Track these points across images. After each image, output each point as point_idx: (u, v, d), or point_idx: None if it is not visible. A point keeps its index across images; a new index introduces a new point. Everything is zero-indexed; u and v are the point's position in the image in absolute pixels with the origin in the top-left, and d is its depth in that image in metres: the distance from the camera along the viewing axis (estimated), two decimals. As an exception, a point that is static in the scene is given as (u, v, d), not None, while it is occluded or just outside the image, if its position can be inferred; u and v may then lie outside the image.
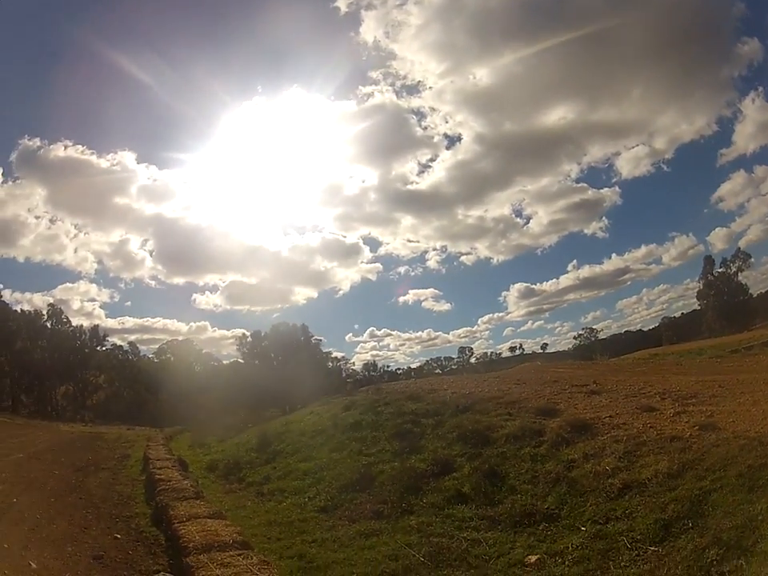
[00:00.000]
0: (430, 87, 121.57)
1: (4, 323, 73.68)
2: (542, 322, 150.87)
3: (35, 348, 75.15)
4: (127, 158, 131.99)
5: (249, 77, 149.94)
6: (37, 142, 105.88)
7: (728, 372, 17.61)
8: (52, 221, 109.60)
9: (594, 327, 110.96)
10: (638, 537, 6.82)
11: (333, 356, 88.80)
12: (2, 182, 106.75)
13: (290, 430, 18.62)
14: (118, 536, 9.16)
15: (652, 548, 6.48)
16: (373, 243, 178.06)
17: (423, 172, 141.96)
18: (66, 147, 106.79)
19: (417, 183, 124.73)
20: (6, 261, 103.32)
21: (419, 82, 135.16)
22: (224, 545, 7.38)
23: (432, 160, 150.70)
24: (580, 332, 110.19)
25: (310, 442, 16.09)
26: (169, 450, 19.45)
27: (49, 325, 78.19)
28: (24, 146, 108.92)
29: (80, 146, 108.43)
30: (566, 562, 6.74)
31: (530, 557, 7.07)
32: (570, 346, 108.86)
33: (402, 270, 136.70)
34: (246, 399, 70.30)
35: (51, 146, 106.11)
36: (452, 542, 7.87)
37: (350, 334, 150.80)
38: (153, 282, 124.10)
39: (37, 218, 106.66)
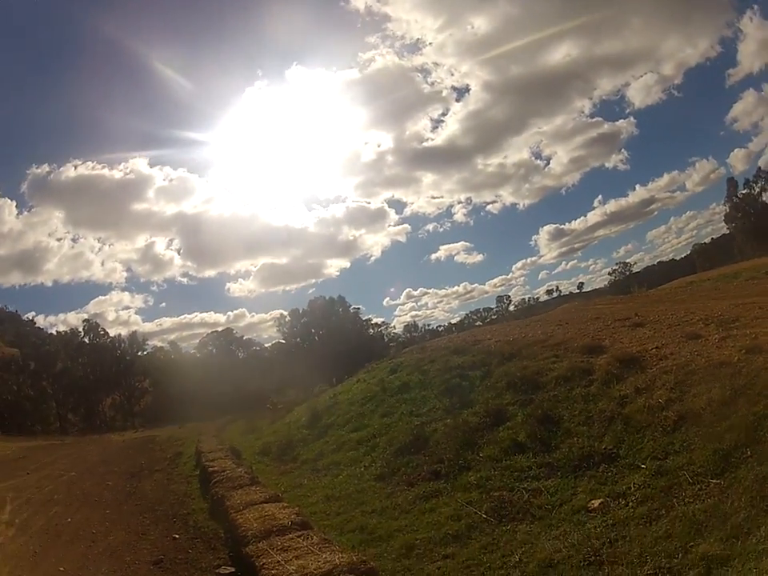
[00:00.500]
0: (430, 43, 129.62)
1: (41, 348, 79.25)
2: (575, 261, 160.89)
3: (76, 366, 79.37)
4: (139, 164, 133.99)
5: (247, 63, 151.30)
6: (45, 167, 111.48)
7: (766, 293, 17.16)
8: (74, 240, 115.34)
9: (627, 261, 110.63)
10: (699, 470, 6.81)
11: (373, 323, 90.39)
12: (18, 214, 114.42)
13: (338, 401, 18.87)
14: (177, 536, 9.47)
15: (714, 481, 6.46)
16: (397, 205, 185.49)
17: (437, 127, 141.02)
18: (75, 166, 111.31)
19: (432, 140, 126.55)
20: (35, 288, 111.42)
21: (418, 39, 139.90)
22: (283, 528, 7.50)
23: (444, 114, 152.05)
24: (614, 267, 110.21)
25: (359, 410, 16.33)
26: (220, 441, 19.91)
27: (87, 340, 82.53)
28: (33, 174, 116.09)
29: (90, 162, 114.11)
30: (630, 504, 6.80)
31: (593, 501, 7.16)
32: (606, 283, 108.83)
33: (429, 227, 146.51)
34: (293, 378, 74.48)
35: (61, 168, 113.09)
36: (513, 494, 7.98)
37: (387, 299, 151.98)
38: (185, 279, 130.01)
39: (58, 240, 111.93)
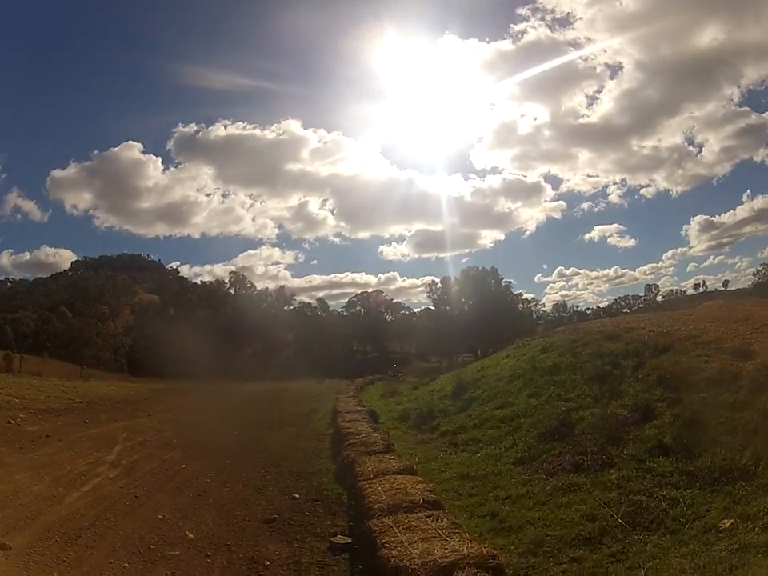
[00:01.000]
0: (580, 18, 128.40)
1: (183, 296, 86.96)
2: (723, 257, 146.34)
3: (219, 315, 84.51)
4: (293, 125, 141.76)
5: (399, 31, 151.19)
6: (193, 126, 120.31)
7: None
8: (224, 195, 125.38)
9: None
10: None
11: (523, 298, 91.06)
12: (164, 170, 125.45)
13: (485, 375, 18.48)
14: (296, 495, 9.03)
15: None
16: (554, 181, 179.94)
17: (592, 104, 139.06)
18: (225, 126, 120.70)
19: (588, 116, 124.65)
20: (181, 240, 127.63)
21: (568, 13, 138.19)
22: (413, 505, 7.06)
23: (598, 91, 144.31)
24: (758, 268, 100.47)
25: (506, 387, 16.00)
26: (359, 402, 19.69)
27: (232, 291, 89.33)
28: (180, 133, 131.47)
29: (240, 123, 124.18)
30: (756, 528, 6.31)
31: (724, 521, 6.76)
32: (750, 284, 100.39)
33: (584, 206, 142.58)
34: (438, 346, 77.62)
35: (210, 128, 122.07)
36: (651, 500, 7.68)
37: (539, 275, 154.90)
38: (337, 240, 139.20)
39: (207, 195, 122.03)
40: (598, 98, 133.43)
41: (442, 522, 6.42)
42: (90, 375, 44.88)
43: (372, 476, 8.44)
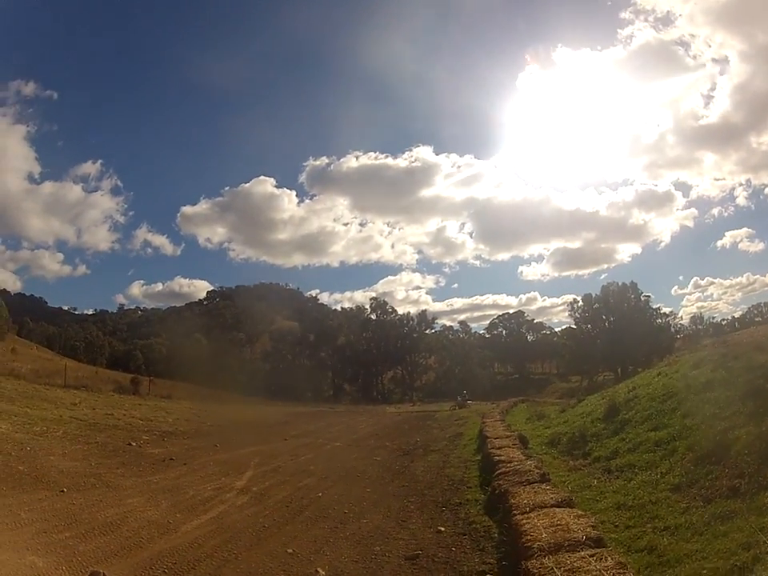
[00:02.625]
0: (680, 15, 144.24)
1: (323, 322, 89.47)
2: None
3: (359, 340, 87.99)
4: (424, 152, 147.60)
5: (514, 48, 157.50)
6: (324, 159, 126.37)
7: None
8: (362, 224, 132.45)
9: None
10: None
11: (662, 312, 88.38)
12: (299, 202, 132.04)
13: (638, 395, 17.50)
14: (442, 529, 8.39)
15: None
16: (683, 188, 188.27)
17: (708, 103, 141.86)
18: (357, 157, 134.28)
19: (706, 117, 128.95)
20: (320, 268, 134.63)
21: (668, 11, 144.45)
22: (575, 543, 6.51)
23: (712, 89, 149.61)
24: None
25: (660, 407, 15.03)
26: (507, 426, 18.94)
27: (373, 316, 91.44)
28: (311, 167, 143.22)
29: (371, 153, 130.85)
30: None
31: None
32: None
33: (714, 211, 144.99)
34: (579, 365, 78.13)
35: (341, 160, 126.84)
36: None
37: (675, 287, 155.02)
38: (477, 262, 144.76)
39: (345, 224, 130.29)
40: (713, 96, 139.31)
41: (607, 561, 5.92)
42: (224, 399, 46.21)
43: (528, 509, 7.80)
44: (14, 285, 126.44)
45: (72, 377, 34.98)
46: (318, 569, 6.63)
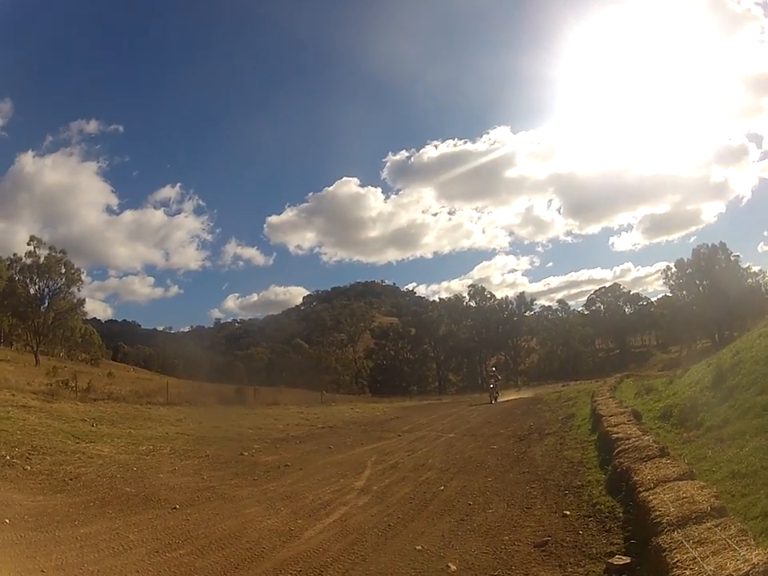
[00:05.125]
0: None
1: (423, 314, 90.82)
2: None
3: (460, 328, 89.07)
4: (501, 133, 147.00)
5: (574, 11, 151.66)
6: (403, 153, 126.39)
7: None
8: (450, 213, 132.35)
9: None
10: None
11: (751, 271, 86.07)
12: (385, 199, 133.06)
13: (742, 359, 16.80)
14: (567, 513, 8.24)
15: None
16: (756, 139, 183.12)
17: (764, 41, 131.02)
18: (436, 147, 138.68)
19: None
20: (414, 261, 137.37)
21: None
22: (701, 514, 6.31)
23: (762, 32, 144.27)
24: None
25: (764, 369, 14.33)
26: (619, 403, 18.50)
27: (472, 304, 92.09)
28: (392, 162, 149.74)
29: (450, 141, 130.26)
30: None
31: None
32: None
33: None
34: (677, 334, 77.41)
35: (421, 151, 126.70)
36: None
37: (761, 243, 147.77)
38: (569, 238, 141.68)
39: (434, 215, 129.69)
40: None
41: (730, 530, 5.77)
42: (330, 400, 46.49)
43: (653, 485, 7.63)
44: (104, 312, 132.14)
45: (174, 394, 35.60)
46: (449, 564, 6.55)
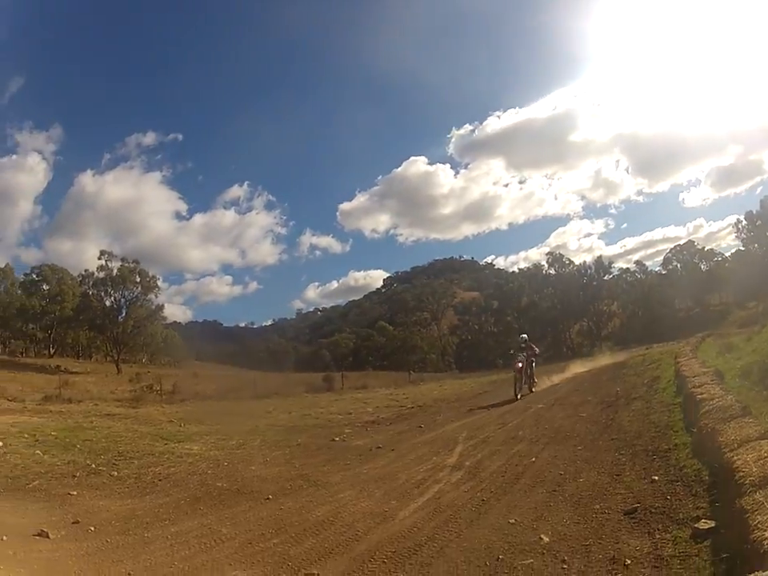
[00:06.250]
0: None
1: (504, 287, 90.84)
2: None
3: (541, 298, 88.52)
4: (561, 96, 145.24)
5: None
6: (467, 127, 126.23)
7: None
8: (521, 182, 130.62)
9: None
10: None
11: None
12: (455, 174, 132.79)
13: None
14: (655, 478, 8.15)
15: None
16: None
17: None
18: (498, 117, 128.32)
19: None
20: (490, 234, 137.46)
21: None
22: None
23: None
24: None
25: None
26: (702, 363, 18.05)
27: (552, 272, 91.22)
28: (456, 137, 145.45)
29: (511, 110, 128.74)
30: None
31: None
32: None
33: None
34: (753, 289, 73.40)
35: (483, 123, 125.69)
36: None
37: None
38: (640, 198, 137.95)
39: (505, 185, 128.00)
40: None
41: None
42: (418, 379, 46.44)
43: (736, 445, 7.45)
44: (184, 315, 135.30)
45: (261, 387, 36.34)
46: (542, 536, 6.59)
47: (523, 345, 23.09)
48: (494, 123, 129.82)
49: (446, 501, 8.62)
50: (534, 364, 23.15)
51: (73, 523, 8.62)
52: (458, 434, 14.30)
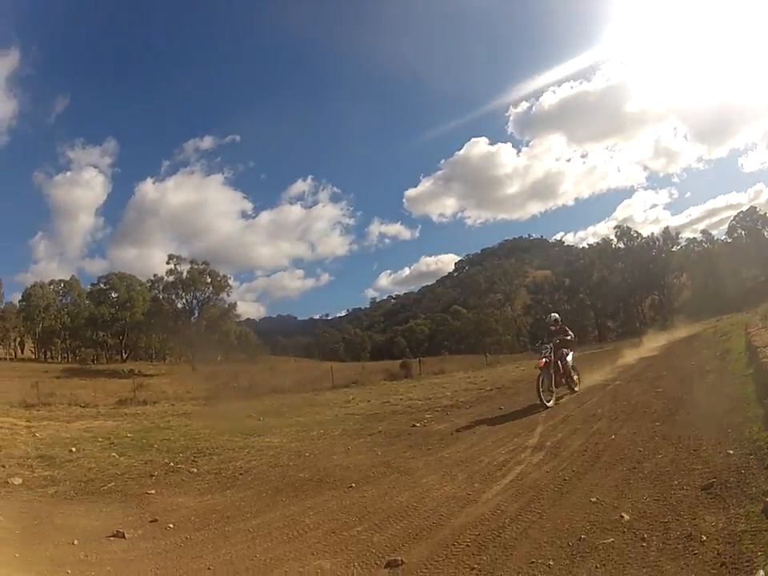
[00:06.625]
0: None
1: (575, 263, 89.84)
2: None
3: (612, 273, 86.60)
4: (614, 66, 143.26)
5: None
6: (524, 104, 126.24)
7: None
8: (583, 156, 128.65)
9: None
10: None
11: None
12: (517, 153, 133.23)
13: None
14: (731, 452, 8.11)
15: None
16: None
17: None
18: (554, 92, 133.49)
19: None
20: (556, 211, 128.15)
21: None
22: None
23: None
24: None
25: None
26: None
27: (621, 245, 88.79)
28: (514, 115, 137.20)
29: (566, 84, 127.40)
30: None
31: None
32: None
33: None
34: None
35: (540, 99, 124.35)
36: None
37: None
38: (700, 165, 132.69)
39: (567, 161, 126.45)
40: None
41: None
42: (495, 361, 46.05)
43: None
44: (257, 312, 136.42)
45: (339, 377, 36.35)
46: (623, 514, 6.68)
47: (553, 327, 17.62)
48: (550, 98, 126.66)
49: (529, 482, 8.75)
50: (569, 355, 17.12)
51: (150, 522, 8.88)
52: (539, 414, 14.44)
